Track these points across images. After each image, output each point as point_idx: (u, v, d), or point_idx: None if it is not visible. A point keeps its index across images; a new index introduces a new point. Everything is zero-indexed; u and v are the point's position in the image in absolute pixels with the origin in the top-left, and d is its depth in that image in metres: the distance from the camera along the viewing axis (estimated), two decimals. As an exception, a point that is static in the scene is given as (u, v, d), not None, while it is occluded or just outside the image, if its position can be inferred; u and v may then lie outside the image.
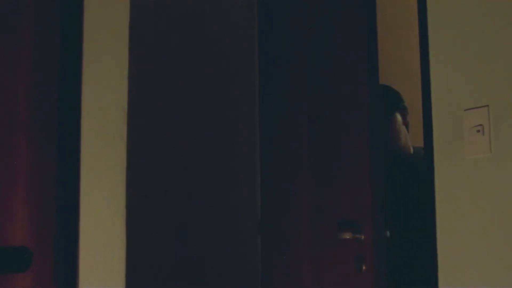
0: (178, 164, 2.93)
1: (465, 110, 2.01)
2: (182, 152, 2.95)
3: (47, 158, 2.34)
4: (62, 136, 2.36)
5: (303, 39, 2.81)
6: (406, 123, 2.92)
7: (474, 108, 1.99)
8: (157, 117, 2.88)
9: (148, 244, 2.79)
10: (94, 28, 2.35)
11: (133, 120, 2.38)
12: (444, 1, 2.09)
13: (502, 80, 1.94)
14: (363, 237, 2.35)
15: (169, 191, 2.89)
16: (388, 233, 2.41)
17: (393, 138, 2.87)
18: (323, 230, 2.58)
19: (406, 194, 2.83)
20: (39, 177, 2.33)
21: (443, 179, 2.03)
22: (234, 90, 3.12)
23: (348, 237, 2.37)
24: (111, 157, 2.35)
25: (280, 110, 2.94)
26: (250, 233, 3.02)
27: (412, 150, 2.95)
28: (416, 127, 2.96)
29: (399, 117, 2.89)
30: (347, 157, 2.52)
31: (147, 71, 2.83)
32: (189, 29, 3.03)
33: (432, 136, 2.07)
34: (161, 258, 2.85)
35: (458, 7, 2.05)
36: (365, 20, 2.46)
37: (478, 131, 1.97)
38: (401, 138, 2.90)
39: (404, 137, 2.91)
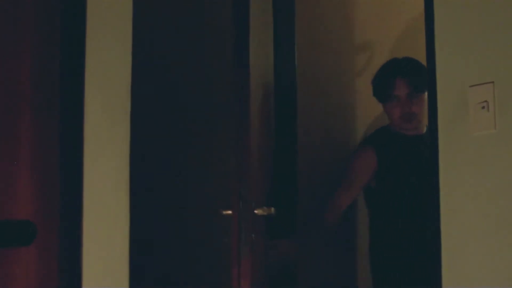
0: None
1: (470, 86, 2.00)
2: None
3: (50, 132, 2.34)
4: (65, 110, 2.36)
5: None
6: None
7: (479, 84, 1.98)
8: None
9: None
10: (98, 1, 2.34)
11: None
12: (450, -23, 2.07)
13: (508, 57, 1.93)
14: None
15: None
16: (273, 210, 2.42)
17: (419, 113, 2.94)
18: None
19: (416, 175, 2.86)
20: (42, 151, 2.34)
21: (447, 156, 2.02)
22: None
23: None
24: (115, 130, 2.35)
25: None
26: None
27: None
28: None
29: (426, 96, 2.91)
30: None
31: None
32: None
33: (436, 113, 2.05)
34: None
35: (464, -18, 2.04)
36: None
37: (483, 107, 1.96)
38: (423, 117, 2.96)
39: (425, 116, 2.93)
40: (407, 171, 2.96)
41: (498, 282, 1.88)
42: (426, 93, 2.88)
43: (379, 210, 3.01)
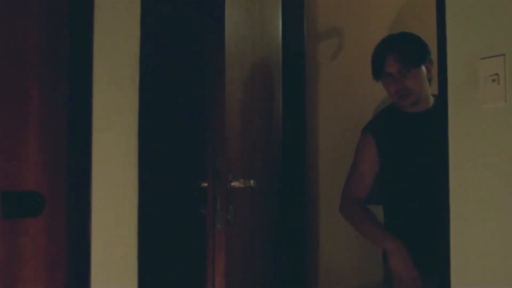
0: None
1: (480, 59, 1.99)
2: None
3: (58, 103, 2.33)
4: (73, 81, 2.35)
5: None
6: (430, 77, 2.91)
7: (490, 57, 1.97)
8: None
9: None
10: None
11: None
12: None
13: (520, 29, 1.92)
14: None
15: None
16: (252, 182, 2.42)
17: (415, 89, 2.87)
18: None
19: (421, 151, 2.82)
20: (50, 122, 2.33)
21: (457, 128, 2.02)
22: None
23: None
24: (123, 101, 2.34)
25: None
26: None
27: (432, 102, 2.92)
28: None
29: (424, 70, 2.89)
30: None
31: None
32: None
33: (447, 85, 2.05)
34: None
35: (476, -47, 2.02)
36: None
37: (494, 80, 1.96)
38: (422, 92, 2.89)
39: (425, 91, 2.90)
40: (410, 153, 2.90)
41: (507, 254, 1.89)
42: (422, 67, 2.86)
43: (388, 194, 2.97)
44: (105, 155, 2.33)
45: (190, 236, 2.77)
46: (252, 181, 2.41)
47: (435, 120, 2.68)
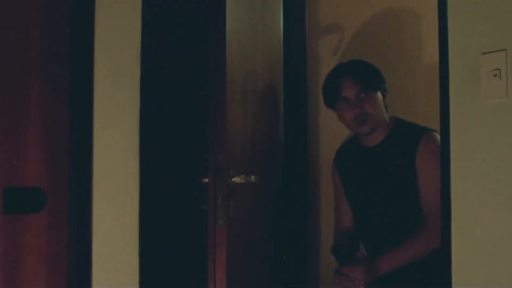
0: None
1: (482, 53, 1.98)
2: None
3: (60, 98, 2.34)
4: (74, 76, 2.35)
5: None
6: (386, 104, 2.82)
7: (491, 52, 1.96)
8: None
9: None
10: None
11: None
12: None
13: (521, 24, 1.91)
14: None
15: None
16: (253, 178, 2.42)
17: (374, 114, 2.75)
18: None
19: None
20: (52, 117, 2.34)
21: (458, 124, 2.02)
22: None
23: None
24: (124, 96, 2.34)
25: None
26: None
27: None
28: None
29: (380, 96, 2.80)
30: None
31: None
32: None
33: (448, 80, 2.04)
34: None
35: None
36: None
37: (495, 75, 1.95)
38: (379, 117, 2.78)
39: (382, 116, 2.80)
40: (357, 187, 2.87)
41: (508, 244, 1.88)
42: (378, 93, 2.77)
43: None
44: (106, 151, 2.34)
45: (191, 232, 2.77)
46: (253, 177, 2.41)
47: (385, 156, 2.74)
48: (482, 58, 1.98)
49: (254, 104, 2.79)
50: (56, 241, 2.35)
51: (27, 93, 2.29)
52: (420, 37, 3.24)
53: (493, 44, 1.96)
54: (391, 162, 2.74)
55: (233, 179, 2.36)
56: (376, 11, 3.37)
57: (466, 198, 1.99)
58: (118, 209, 2.36)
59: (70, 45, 2.34)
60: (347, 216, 2.94)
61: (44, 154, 2.31)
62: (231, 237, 2.35)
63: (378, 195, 2.77)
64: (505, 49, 1.93)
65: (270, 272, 2.94)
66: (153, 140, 2.57)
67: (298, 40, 3.28)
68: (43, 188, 2.30)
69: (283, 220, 3.09)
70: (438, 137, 2.62)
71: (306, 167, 3.31)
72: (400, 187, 2.72)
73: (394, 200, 2.73)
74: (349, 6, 3.42)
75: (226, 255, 2.32)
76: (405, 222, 2.70)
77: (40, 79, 2.31)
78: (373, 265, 2.65)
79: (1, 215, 2.24)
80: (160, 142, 2.74)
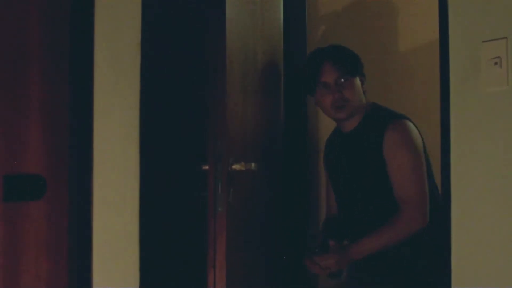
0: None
1: (483, 42, 1.98)
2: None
3: (60, 86, 2.34)
4: (75, 67, 2.35)
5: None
6: (364, 90, 2.80)
7: (492, 40, 1.96)
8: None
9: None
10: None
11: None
12: None
13: (522, 12, 1.91)
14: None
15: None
16: (253, 165, 2.43)
17: (352, 99, 2.73)
18: None
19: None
20: (52, 105, 2.34)
21: (459, 112, 2.02)
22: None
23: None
24: (124, 84, 2.34)
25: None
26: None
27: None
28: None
29: (359, 81, 2.78)
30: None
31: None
32: None
33: (448, 68, 2.04)
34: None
35: None
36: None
37: (496, 63, 1.95)
38: (358, 103, 2.76)
39: (360, 102, 2.77)
40: (337, 172, 2.88)
41: (508, 240, 1.89)
42: (357, 78, 2.75)
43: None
44: (107, 139, 2.34)
45: (191, 219, 2.78)
46: (253, 164, 2.41)
47: (358, 141, 2.73)
48: (483, 46, 1.98)
49: (254, 92, 2.78)
50: (56, 228, 2.35)
51: (27, 82, 2.29)
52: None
53: (493, 32, 1.96)
54: (364, 148, 2.74)
55: (233, 167, 2.37)
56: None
57: (467, 188, 1.99)
58: (118, 196, 2.36)
59: (70, 33, 2.34)
60: (334, 203, 2.95)
61: (44, 142, 2.31)
62: (230, 224, 2.36)
63: (355, 181, 2.77)
64: (506, 37, 1.93)
65: (269, 260, 2.95)
66: (153, 127, 2.57)
67: (298, 27, 3.27)
68: (43, 176, 2.30)
69: (283, 208, 3.10)
70: (408, 124, 2.67)
71: (306, 154, 3.31)
72: (373, 173, 2.71)
73: (369, 186, 2.73)
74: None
75: (226, 241, 2.33)
76: (382, 210, 2.69)
77: (40, 68, 2.30)
78: (344, 253, 2.65)
79: (1, 202, 2.24)
80: (160, 129, 2.74)
